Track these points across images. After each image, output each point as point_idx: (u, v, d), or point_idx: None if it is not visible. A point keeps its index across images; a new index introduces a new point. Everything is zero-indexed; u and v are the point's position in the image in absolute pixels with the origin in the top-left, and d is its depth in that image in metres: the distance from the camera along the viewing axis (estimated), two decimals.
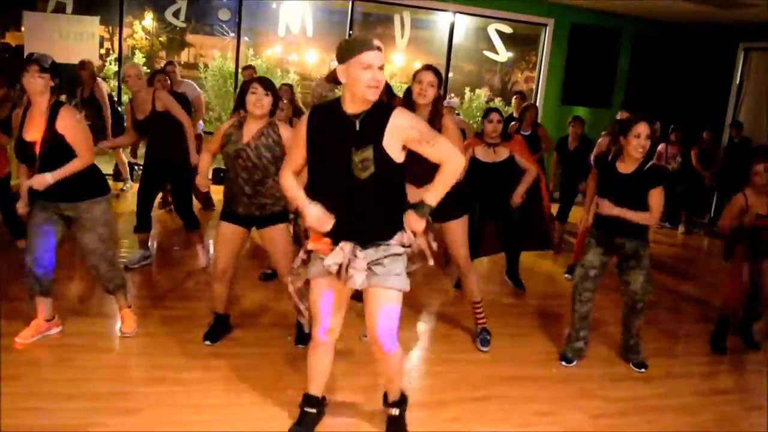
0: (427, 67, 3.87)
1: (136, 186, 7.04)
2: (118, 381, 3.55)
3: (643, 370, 4.27)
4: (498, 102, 11.13)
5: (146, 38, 11.08)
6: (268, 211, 3.91)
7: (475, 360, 4.19)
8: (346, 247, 2.78)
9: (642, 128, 3.96)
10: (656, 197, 4.02)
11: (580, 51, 10.29)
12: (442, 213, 3.51)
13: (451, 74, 10.42)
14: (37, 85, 3.54)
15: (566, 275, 6.23)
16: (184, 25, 9.87)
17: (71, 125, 3.63)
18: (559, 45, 10.27)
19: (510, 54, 10.53)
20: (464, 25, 10.43)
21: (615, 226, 4.09)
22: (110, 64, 9.89)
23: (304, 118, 2.83)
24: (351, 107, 2.72)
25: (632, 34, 10.46)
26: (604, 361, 4.39)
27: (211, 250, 5.68)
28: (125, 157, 8.27)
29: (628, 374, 4.22)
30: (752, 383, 4.38)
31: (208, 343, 4.03)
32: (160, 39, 11.30)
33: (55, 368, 3.58)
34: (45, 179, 3.57)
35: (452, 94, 11.12)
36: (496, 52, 10.25)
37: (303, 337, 4.06)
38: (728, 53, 10.33)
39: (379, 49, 2.65)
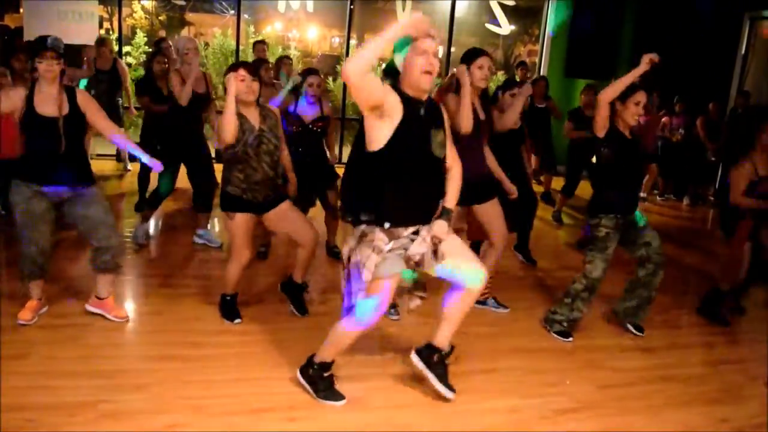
0: (487, 53, 4.08)
1: (136, 166, 7.07)
2: (126, 358, 3.57)
3: (642, 334, 4.32)
4: (501, 75, 11.04)
5: (146, 17, 10.99)
6: (278, 189, 3.99)
7: (482, 333, 4.20)
8: (427, 237, 2.98)
9: (642, 96, 3.97)
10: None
11: (584, 22, 10.17)
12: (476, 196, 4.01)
13: (453, 48, 10.32)
14: (54, 72, 3.65)
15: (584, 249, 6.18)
16: (183, 3, 9.82)
17: (91, 103, 3.82)
18: (562, 17, 10.15)
19: (512, 27, 10.43)
20: None
21: (635, 201, 4.12)
22: None
23: (392, 92, 2.85)
24: (413, 94, 2.89)
25: (636, 5, 10.33)
26: (610, 332, 4.40)
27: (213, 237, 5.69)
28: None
29: (634, 345, 4.24)
30: (755, 353, 4.38)
31: (238, 321, 4.05)
32: (159, 18, 11.21)
33: (63, 347, 3.60)
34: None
35: (454, 69, 11.04)
36: (499, 25, 10.16)
37: (303, 306, 4.29)
38: (733, 23, 10.20)
39: (433, 37, 2.83)
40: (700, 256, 6.56)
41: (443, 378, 3.31)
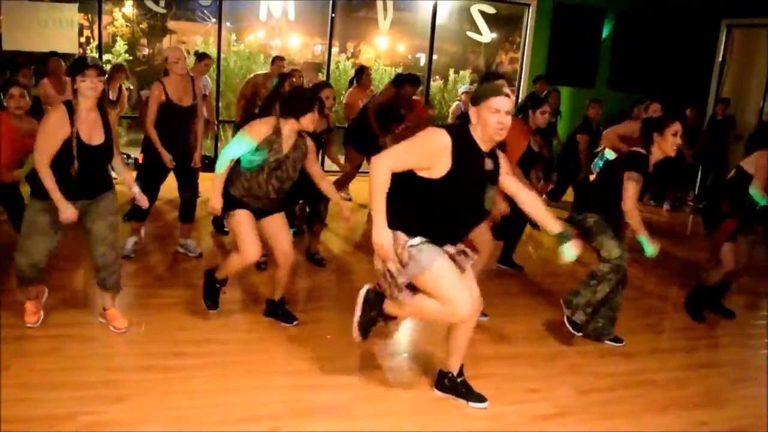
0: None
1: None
2: (107, 369, 3.54)
3: (623, 343, 4.31)
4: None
5: (127, 25, 10.94)
6: (277, 204, 4.02)
7: None
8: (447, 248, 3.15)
9: (679, 127, 4.00)
10: None
11: (564, 30, 10.28)
12: None
13: (435, 56, 10.38)
14: (98, 90, 3.57)
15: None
16: (164, 11, 9.76)
17: (115, 128, 3.95)
18: (542, 25, 10.24)
19: (494, 35, 10.50)
20: (447, 6, 10.38)
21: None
22: (91, 52, 9.76)
23: (446, 140, 2.94)
24: (483, 145, 3.04)
25: (615, 13, 10.45)
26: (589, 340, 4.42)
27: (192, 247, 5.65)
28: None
29: (615, 350, 4.26)
30: (735, 356, 4.44)
31: (214, 310, 4.15)
32: (141, 26, 11.16)
33: (44, 358, 3.56)
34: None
35: (436, 77, 11.11)
36: (480, 33, 10.21)
37: (290, 316, 4.23)
38: (710, 30, 10.35)
39: (508, 96, 2.98)
40: (681, 261, 6.62)
41: (467, 395, 3.41)
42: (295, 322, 4.19)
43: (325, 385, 3.39)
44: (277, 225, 4.03)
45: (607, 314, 4.29)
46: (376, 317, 3.38)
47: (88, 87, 3.51)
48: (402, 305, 3.22)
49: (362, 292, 3.38)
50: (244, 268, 4.05)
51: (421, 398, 3.47)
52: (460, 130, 3.03)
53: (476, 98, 3.01)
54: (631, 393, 3.72)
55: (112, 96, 7.33)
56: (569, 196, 7.63)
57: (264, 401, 3.30)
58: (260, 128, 3.84)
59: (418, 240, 3.02)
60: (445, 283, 3.03)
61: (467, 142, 3.01)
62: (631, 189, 3.99)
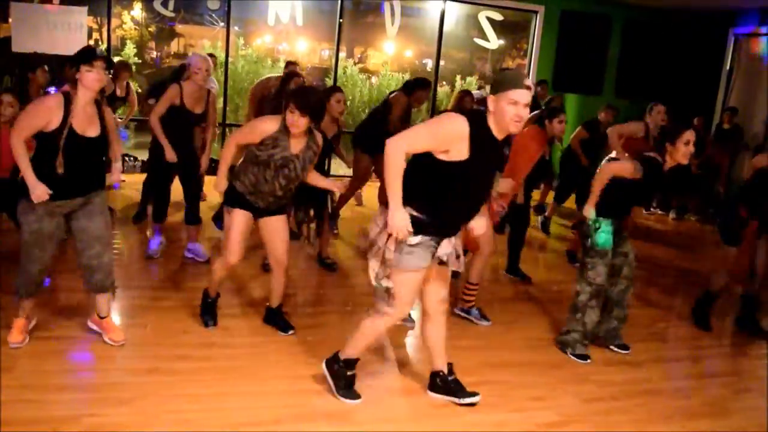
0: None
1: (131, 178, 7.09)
2: (111, 372, 3.55)
3: (629, 351, 4.28)
4: (489, 90, 11.10)
5: (135, 29, 10.99)
6: (282, 204, 3.99)
7: (468, 346, 4.21)
8: (453, 239, 3.20)
9: (691, 135, 4.00)
10: None
11: (571, 38, 10.28)
12: None
13: (441, 62, 10.38)
14: (103, 82, 3.43)
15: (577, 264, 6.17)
16: (173, 15, 9.79)
17: (113, 123, 3.75)
18: (549, 32, 10.24)
19: (501, 41, 10.51)
20: (454, 12, 10.40)
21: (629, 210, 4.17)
22: None
23: (464, 126, 2.93)
24: (497, 133, 3.03)
25: (622, 21, 10.45)
26: (596, 346, 4.40)
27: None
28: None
29: (620, 359, 4.25)
30: (741, 366, 4.42)
31: (212, 326, 4.11)
32: (149, 29, 11.22)
33: (48, 360, 3.57)
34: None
35: (443, 83, 11.11)
36: (487, 40, 10.23)
37: (286, 325, 4.18)
38: (718, 39, 10.33)
39: (528, 88, 2.95)
40: (686, 269, 6.60)
41: (461, 393, 3.46)
42: (290, 331, 4.14)
43: (327, 391, 3.38)
44: (276, 229, 4.01)
45: (621, 315, 4.26)
46: (350, 378, 3.41)
47: (94, 78, 3.36)
48: (355, 338, 3.36)
49: None
50: (226, 271, 4.05)
51: (423, 404, 3.47)
52: (477, 117, 3.02)
53: (495, 86, 3.00)
54: (635, 402, 3.71)
55: (120, 93, 7.33)
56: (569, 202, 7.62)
57: (267, 405, 3.31)
58: (266, 124, 3.78)
59: (418, 239, 3.03)
60: (407, 289, 3.13)
61: (484, 129, 3.00)
62: (621, 165, 4.09)
